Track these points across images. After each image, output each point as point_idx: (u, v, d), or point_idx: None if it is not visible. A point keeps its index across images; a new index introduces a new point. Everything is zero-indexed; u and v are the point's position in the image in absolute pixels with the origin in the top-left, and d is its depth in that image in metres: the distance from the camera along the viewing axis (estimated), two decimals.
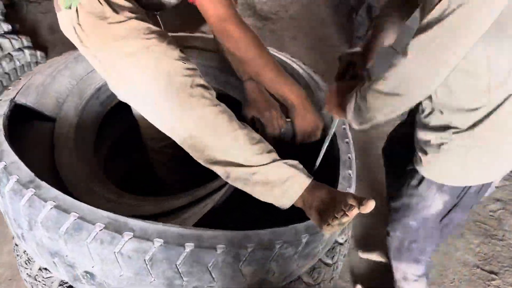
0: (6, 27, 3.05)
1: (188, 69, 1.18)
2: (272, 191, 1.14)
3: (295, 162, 1.17)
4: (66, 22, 1.20)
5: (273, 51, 1.80)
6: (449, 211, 1.45)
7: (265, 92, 1.46)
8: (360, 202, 0.98)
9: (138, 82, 1.17)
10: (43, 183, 1.08)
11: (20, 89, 1.43)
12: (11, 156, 1.16)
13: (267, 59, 1.26)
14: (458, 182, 1.34)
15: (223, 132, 1.15)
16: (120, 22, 1.15)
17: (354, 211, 0.98)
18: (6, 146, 1.19)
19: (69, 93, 1.53)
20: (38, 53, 3.27)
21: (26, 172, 1.11)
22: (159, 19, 1.44)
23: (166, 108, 1.16)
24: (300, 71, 1.70)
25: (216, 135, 1.15)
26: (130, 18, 1.16)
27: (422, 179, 1.40)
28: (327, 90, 1.60)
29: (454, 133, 1.24)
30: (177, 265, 0.99)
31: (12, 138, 1.28)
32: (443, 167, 1.32)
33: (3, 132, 1.23)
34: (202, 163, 1.19)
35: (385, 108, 1.14)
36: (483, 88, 1.13)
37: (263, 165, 1.13)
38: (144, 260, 0.99)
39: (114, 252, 0.99)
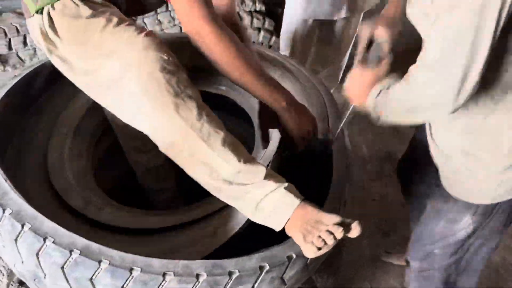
0: (260, 6, 2.94)
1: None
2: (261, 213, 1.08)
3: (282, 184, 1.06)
4: (35, 28, 1.09)
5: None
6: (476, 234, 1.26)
7: None
8: (348, 226, 0.98)
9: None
10: None
11: None
12: None
13: (247, 62, 1.14)
14: (495, 198, 1.15)
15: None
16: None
17: (340, 235, 0.97)
18: None
19: None
20: (274, 38, 2.98)
21: None
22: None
23: None
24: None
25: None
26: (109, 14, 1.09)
27: (450, 200, 1.22)
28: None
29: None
30: (38, 255, 0.98)
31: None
32: (476, 183, 1.14)
33: None
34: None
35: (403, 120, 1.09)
36: None
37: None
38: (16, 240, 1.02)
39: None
